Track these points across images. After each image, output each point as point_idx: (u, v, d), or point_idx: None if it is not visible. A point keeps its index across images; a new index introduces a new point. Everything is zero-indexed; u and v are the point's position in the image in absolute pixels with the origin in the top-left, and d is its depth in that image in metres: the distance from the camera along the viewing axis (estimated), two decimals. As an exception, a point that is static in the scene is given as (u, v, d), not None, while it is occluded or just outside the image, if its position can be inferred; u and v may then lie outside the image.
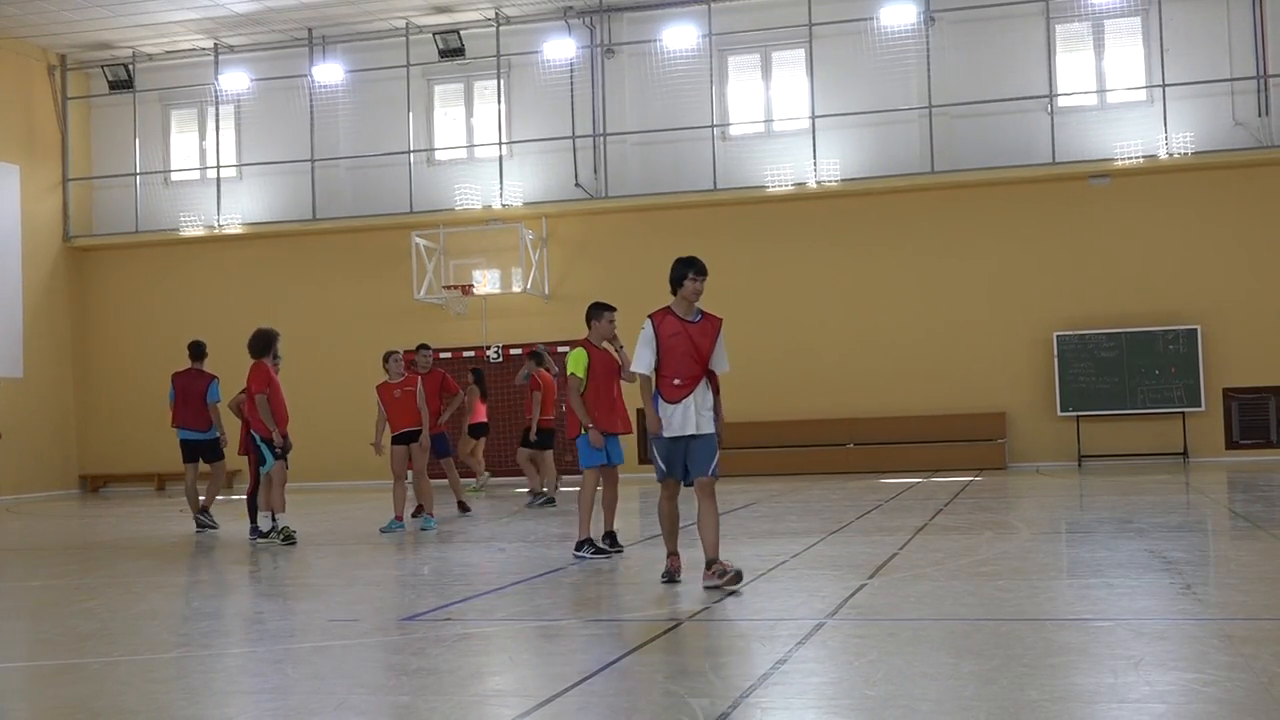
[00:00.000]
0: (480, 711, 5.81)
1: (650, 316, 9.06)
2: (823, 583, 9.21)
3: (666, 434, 8.93)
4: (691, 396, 8.93)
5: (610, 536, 11.24)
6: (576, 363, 10.93)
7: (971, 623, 7.46)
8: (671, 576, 9.26)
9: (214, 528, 15.38)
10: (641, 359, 9.04)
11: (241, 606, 9.52)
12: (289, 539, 13.31)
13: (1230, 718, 5.18)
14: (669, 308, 9.11)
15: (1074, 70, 23.65)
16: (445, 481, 16.98)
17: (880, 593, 8.70)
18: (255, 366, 13.68)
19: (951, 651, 6.61)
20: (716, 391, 9.13)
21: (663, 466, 9.03)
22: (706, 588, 8.75)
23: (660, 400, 8.96)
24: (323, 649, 7.47)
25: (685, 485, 9.11)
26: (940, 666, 6.26)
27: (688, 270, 9.08)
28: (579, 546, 11.00)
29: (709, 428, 8.99)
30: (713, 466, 8.98)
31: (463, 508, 16.59)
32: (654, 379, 9.03)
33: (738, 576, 8.79)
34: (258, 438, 13.75)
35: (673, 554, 9.34)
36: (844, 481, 20.58)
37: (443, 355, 24.85)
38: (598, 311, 11.25)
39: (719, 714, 5.39)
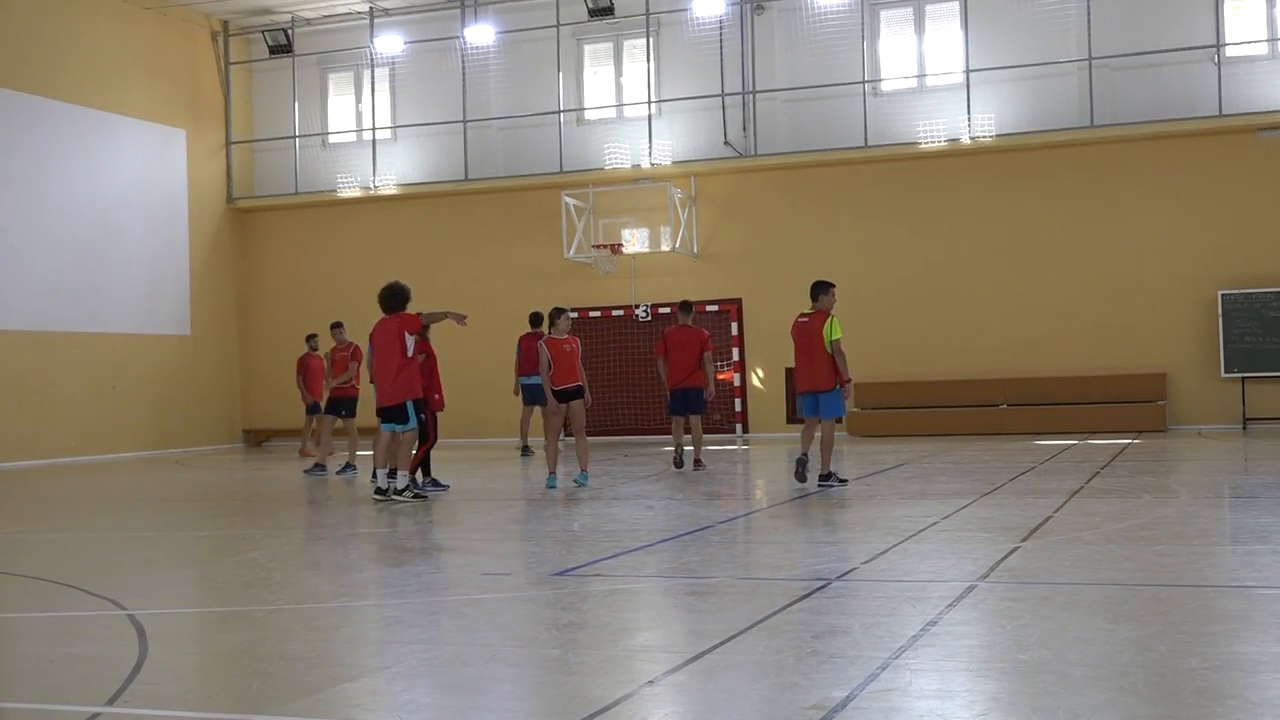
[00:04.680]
0: (629, 666, 5.88)
1: None
2: (974, 545, 9.09)
3: None
4: None
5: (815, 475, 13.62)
6: (836, 328, 13.17)
7: (1129, 588, 7.30)
8: None
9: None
10: None
11: (398, 559, 9.76)
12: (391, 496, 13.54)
13: (1404, 691, 4.99)
14: None
15: (1243, 17, 22.69)
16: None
17: (1034, 556, 8.56)
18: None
19: (1108, 617, 6.47)
20: None
21: None
22: None
23: None
24: (476, 602, 7.63)
25: None
26: (1096, 632, 6.15)
27: None
28: (824, 478, 13.43)
29: None
30: None
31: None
32: None
33: None
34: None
35: None
36: (997, 443, 20.24)
37: (592, 314, 25.11)
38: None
39: (868, 674, 5.38)
